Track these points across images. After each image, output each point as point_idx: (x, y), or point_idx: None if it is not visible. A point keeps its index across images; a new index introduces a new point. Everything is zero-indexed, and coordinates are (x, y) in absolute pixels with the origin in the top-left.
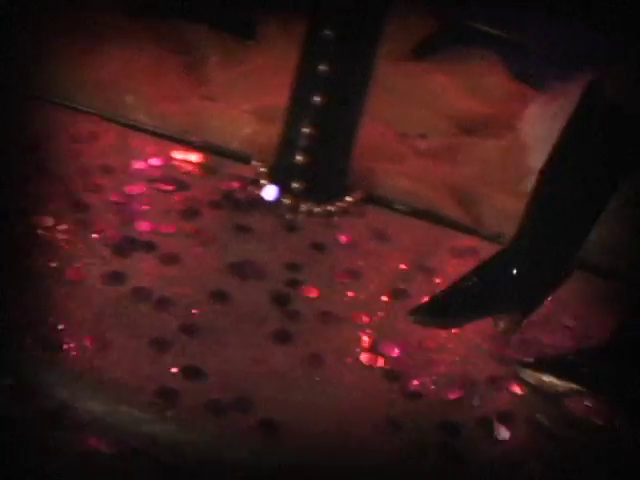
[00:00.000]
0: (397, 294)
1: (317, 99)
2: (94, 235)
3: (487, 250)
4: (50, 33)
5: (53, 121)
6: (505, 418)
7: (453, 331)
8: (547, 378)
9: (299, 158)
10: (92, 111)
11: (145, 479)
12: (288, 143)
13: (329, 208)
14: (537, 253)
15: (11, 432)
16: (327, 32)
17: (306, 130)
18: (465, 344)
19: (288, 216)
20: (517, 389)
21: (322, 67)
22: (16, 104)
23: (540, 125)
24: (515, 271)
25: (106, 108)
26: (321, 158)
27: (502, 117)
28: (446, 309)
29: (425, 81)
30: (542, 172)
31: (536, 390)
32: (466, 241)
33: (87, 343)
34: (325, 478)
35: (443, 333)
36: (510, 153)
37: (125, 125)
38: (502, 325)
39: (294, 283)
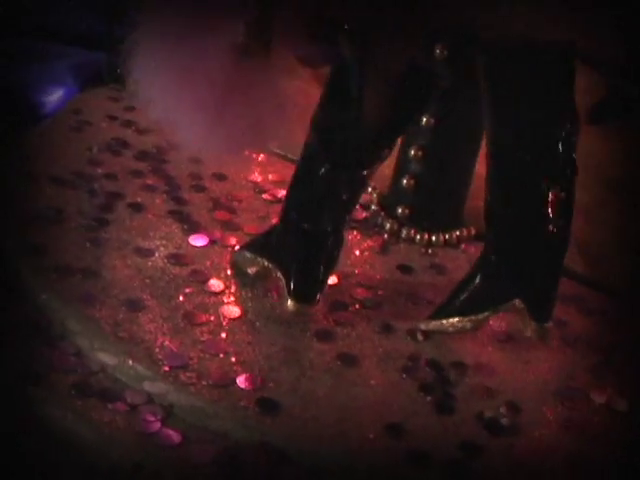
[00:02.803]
0: None
1: (425, 119)
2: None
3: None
4: None
5: None
6: None
7: None
8: (248, 254)
9: (405, 182)
10: None
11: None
12: (398, 167)
13: (432, 238)
14: None
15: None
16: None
17: (413, 153)
18: None
19: (386, 239)
20: None
21: None
22: None
23: None
24: None
25: None
26: (428, 184)
27: None
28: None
29: (585, 144)
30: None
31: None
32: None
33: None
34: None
35: None
36: None
37: None
38: None
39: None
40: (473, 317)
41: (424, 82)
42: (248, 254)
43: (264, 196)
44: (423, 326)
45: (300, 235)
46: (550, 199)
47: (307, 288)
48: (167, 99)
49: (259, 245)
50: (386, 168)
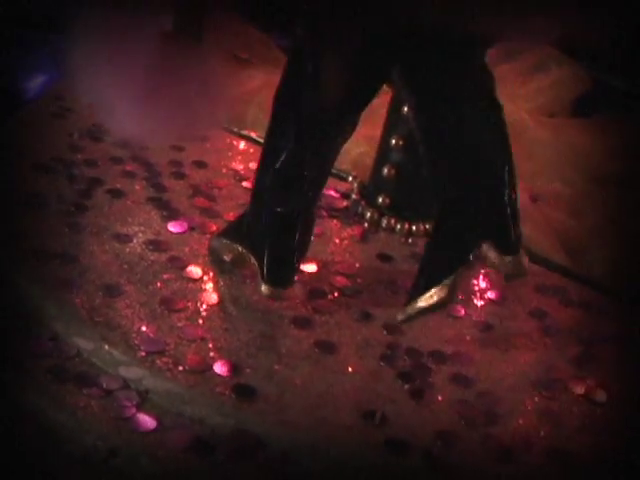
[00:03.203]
0: None
1: (406, 108)
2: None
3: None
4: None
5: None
6: None
7: None
8: (224, 240)
9: (386, 171)
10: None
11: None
12: (379, 157)
13: (412, 227)
14: None
15: None
16: None
17: (394, 142)
18: None
19: (367, 228)
20: None
21: None
22: None
23: None
24: None
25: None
26: (409, 173)
27: None
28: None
29: (569, 137)
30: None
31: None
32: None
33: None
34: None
35: None
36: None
37: (238, 135)
38: None
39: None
40: (446, 281)
41: (383, 57)
42: (224, 240)
43: (244, 184)
44: (400, 316)
45: (270, 217)
46: (486, 142)
47: (280, 271)
48: (98, 83)
49: (233, 231)
50: (367, 157)
